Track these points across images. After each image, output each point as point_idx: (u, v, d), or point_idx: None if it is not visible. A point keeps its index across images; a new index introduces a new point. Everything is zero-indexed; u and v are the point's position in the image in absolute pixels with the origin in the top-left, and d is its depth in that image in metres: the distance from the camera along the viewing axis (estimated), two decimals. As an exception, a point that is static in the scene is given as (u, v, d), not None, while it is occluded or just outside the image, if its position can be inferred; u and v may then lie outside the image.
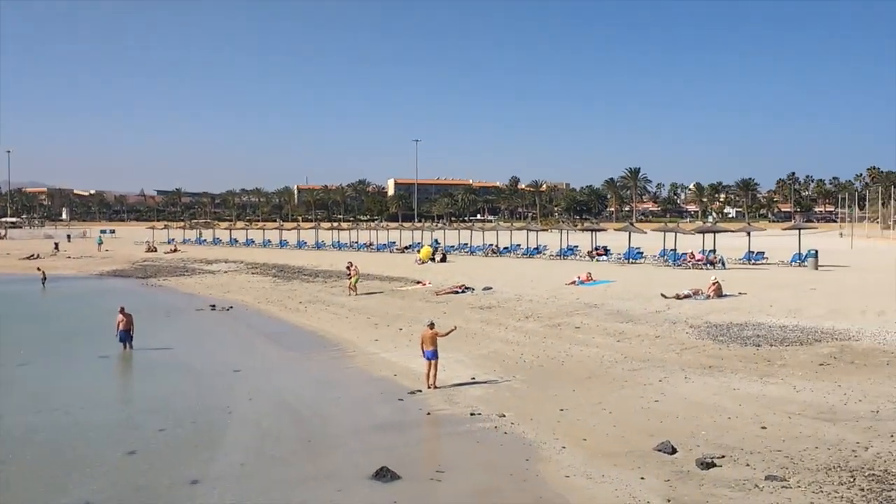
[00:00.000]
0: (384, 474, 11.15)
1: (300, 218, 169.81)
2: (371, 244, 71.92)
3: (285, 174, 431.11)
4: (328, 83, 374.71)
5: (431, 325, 17.58)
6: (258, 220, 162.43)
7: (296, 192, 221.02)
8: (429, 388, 16.75)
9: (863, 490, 9.69)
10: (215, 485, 11.17)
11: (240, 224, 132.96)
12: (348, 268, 37.73)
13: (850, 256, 49.75)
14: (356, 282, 35.96)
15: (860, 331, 20.80)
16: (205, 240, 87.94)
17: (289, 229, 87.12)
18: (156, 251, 71.60)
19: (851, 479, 10.09)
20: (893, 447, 11.35)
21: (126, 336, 22.39)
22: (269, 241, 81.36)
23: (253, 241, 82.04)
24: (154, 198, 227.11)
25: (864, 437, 11.87)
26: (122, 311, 22.66)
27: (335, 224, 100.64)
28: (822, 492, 9.71)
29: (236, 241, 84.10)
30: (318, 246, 74.58)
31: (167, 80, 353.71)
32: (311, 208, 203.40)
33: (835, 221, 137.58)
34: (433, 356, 16.95)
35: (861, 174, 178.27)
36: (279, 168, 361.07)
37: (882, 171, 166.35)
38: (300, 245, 76.79)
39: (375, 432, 13.96)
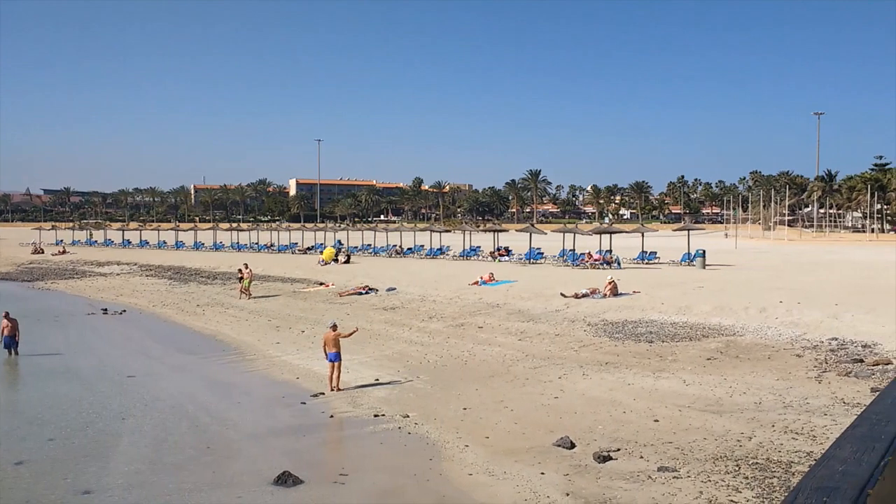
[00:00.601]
0: (286, 479, 11.00)
1: (197, 219, 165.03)
2: (272, 245, 70.65)
3: (181, 173, 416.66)
4: (226, 80, 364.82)
5: (334, 327, 17.44)
6: (153, 221, 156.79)
7: (193, 191, 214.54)
8: (332, 390, 16.61)
9: (747, 478, 10.24)
10: (109, 495, 10.74)
11: (133, 225, 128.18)
12: (241, 270, 36.18)
13: (735, 256, 52.40)
14: (248, 284, 34.83)
15: (744, 326, 21.95)
16: (96, 241, 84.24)
17: (185, 230, 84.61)
18: (43, 253, 68.22)
19: (737, 468, 10.65)
20: (774, 436, 12.03)
21: (11, 342, 21.27)
22: (165, 242, 78.68)
23: (147, 243, 79.18)
24: (41, 197, 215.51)
25: (748, 428, 12.54)
26: (6, 315, 21.54)
27: (234, 225, 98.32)
28: (710, 481, 10.20)
29: (129, 242, 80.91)
30: (217, 247, 72.68)
31: (51, 73, 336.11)
32: (208, 209, 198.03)
33: (721, 222, 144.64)
34: (336, 358, 16.82)
35: (745, 177, 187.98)
36: (175, 167, 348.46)
37: (763, 175, 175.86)
38: (197, 246, 74.64)
39: (277, 437, 13.74)
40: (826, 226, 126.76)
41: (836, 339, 19.48)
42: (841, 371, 16.28)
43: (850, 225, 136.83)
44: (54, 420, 14.89)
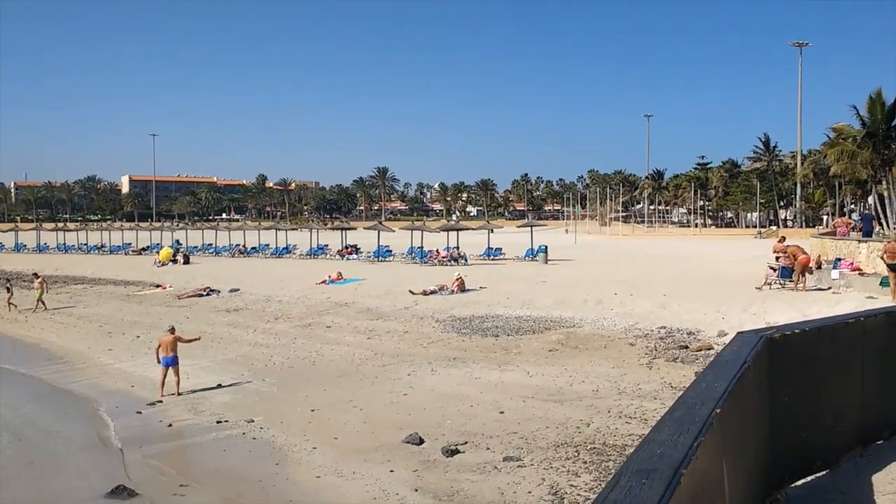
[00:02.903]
0: (120, 492, 10.35)
1: (18, 218, 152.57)
2: (103, 246, 66.59)
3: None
4: (52, 69, 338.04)
5: (172, 330, 16.66)
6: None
7: (13, 189, 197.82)
8: (172, 394, 15.84)
9: (585, 462, 10.71)
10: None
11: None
12: (36, 276, 32.70)
13: (574, 251, 54.96)
14: (40, 295, 30.94)
15: (582, 318, 23.03)
16: None
17: (5, 231, 78.01)
18: None
19: (576, 454, 11.12)
20: (610, 421, 12.68)
21: None
22: (-20, 244, 72.21)
23: (-41, 245, 72.31)
24: None
25: (587, 415, 13.13)
26: None
27: (60, 224, 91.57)
28: (552, 467, 10.58)
29: (-63, 245, 73.62)
30: (41, 249, 67.60)
31: None
32: (31, 207, 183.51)
33: (561, 219, 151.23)
34: (173, 362, 16.01)
35: (583, 176, 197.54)
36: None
37: (600, 174, 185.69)
38: (19, 248, 69.16)
39: (110, 449, 12.90)
40: (656, 221, 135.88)
41: (665, 328, 20.85)
42: (669, 357, 17.45)
43: (676, 220, 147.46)
44: None
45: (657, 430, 2.05)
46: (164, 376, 16.03)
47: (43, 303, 30.90)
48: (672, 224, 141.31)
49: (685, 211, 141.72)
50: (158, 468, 12.26)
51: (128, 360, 20.13)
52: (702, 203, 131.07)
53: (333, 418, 13.85)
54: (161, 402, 15.64)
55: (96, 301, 33.21)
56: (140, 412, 15.10)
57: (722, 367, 3.84)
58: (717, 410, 2.48)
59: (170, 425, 14.14)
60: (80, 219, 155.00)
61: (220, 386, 16.76)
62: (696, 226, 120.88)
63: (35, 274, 33.79)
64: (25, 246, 69.59)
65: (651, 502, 1.67)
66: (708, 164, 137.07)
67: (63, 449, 12.97)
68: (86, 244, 68.29)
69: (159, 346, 16.22)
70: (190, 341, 17.03)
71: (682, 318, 21.63)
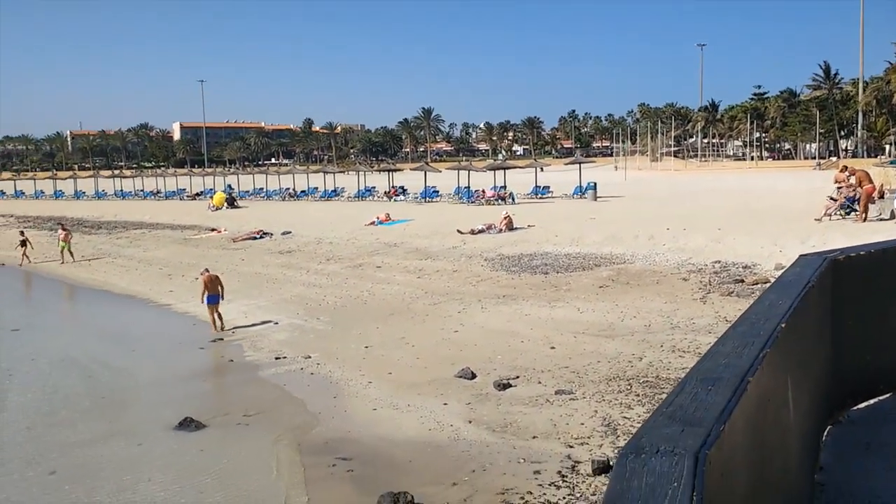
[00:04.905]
0: (188, 424, 10.80)
1: (76, 166, 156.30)
2: (159, 192, 67.93)
3: (56, 119, 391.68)
4: (101, 19, 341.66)
5: (207, 271, 17.66)
6: (27, 170, 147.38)
7: (69, 138, 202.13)
8: (231, 329, 16.69)
9: (638, 395, 10.75)
10: (0, 452, 10.26)
11: (6, 175, 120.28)
12: (63, 228, 32.26)
13: (624, 187, 54.19)
14: (65, 247, 30.19)
15: (633, 254, 22.81)
16: (-37, 193, 78.67)
17: (63, 178, 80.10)
18: None
19: (629, 387, 11.16)
20: (662, 355, 12.66)
21: None
22: (43, 192, 74.46)
23: (23, 193, 74.67)
24: None
25: (639, 349, 13.13)
26: None
27: (117, 172, 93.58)
28: (604, 400, 10.66)
29: (3, 193, 76.21)
30: (99, 196, 69.28)
31: None
32: (87, 156, 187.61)
33: (611, 155, 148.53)
34: (216, 301, 16.88)
35: (632, 110, 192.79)
36: (48, 112, 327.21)
37: (651, 107, 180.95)
38: (78, 195, 70.95)
39: (176, 383, 13.43)
40: (710, 155, 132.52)
41: (719, 262, 20.54)
42: (723, 291, 17.22)
43: (731, 153, 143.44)
44: (-70, 382, 14.01)
45: (721, 343, 2.04)
46: (213, 314, 16.86)
47: (71, 254, 30.29)
48: (726, 158, 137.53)
49: (740, 144, 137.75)
50: (222, 401, 12.73)
51: (188, 301, 20.69)
52: (758, 135, 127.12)
53: (387, 354, 14.11)
54: (222, 339, 16.17)
55: (155, 245, 34.06)
56: (202, 348, 15.66)
57: (785, 287, 3.78)
58: (782, 325, 2.45)
59: (231, 360, 14.62)
60: (134, 166, 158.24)
61: (277, 324, 17.20)
62: (752, 159, 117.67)
63: (61, 225, 33.70)
64: (84, 193, 71.34)
65: (718, 406, 1.67)
66: (765, 93, 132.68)
67: (131, 384, 13.52)
68: (142, 190, 69.78)
69: (206, 285, 16.96)
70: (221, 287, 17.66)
71: (737, 252, 21.26)
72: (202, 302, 17.14)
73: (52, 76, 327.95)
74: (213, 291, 16.88)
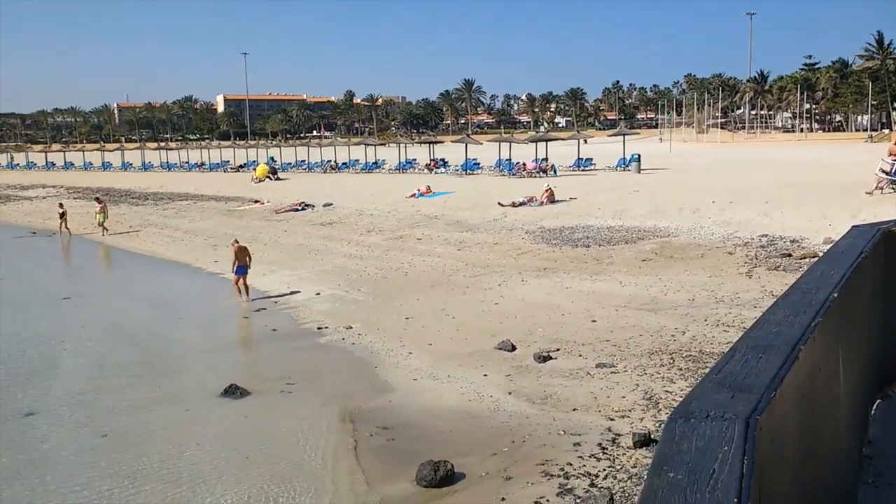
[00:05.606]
0: (233, 391, 11.03)
1: (123, 138, 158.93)
2: (203, 164, 68.77)
3: (103, 92, 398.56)
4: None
5: (236, 241, 18.08)
6: (76, 142, 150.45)
7: (116, 110, 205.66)
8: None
9: (681, 369, 10.67)
10: (52, 416, 10.62)
11: (56, 146, 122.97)
12: (98, 201, 32.87)
13: (669, 159, 53.24)
14: (102, 220, 30.85)
15: (678, 227, 22.48)
16: (17, 164, 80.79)
17: (111, 150, 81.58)
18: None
19: (671, 361, 11.07)
20: (706, 330, 12.51)
21: None
22: (91, 163, 75.91)
23: (72, 165, 76.28)
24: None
25: (682, 323, 12.99)
26: None
27: (162, 144, 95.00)
28: (646, 374, 10.60)
29: (53, 164, 77.89)
30: (146, 167, 70.48)
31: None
32: (134, 128, 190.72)
33: (656, 127, 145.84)
34: (245, 271, 17.27)
35: (678, 81, 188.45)
36: (95, 85, 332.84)
37: (697, 78, 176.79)
38: (125, 167, 72.24)
39: (222, 351, 13.72)
40: (757, 127, 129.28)
41: (766, 236, 20.15)
42: (770, 266, 16.92)
43: (780, 125, 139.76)
44: (-12, 347, 14.51)
45: (771, 311, 2.00)
46: (239, 284, 17.24)
47: (105, 228, 30.75)
48: (775, 129, 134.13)
49: (790, 115, 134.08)
50: (266, 369, 12.97)
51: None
52: (808, 106, 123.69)
53: (427, 326, 14.18)
54: (265, 308, 16.42)
55: (200, 216, 34.61)
56: (247, 318, 15.93)
57: (837, 257, 3.67)
58: (834, 295, 2.40)
59: (274, 330, 14.85)
60: (179, 138, 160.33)
61: (318, 295, 17.40)
62: (802, 130, 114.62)
63: (97, 198, 34.25)
64: (131, 164, 72.60)
65: (769, 374, 1.65)
66: (815, 64, 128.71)
67: (179, 352, 13.83)
68: (187, 162, 70.69)
69: (236, 255, 17.25)
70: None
71: (785, 226, 20.82)
72: (232, 272, 17.39)
73: (100, 50, 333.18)
74: (242, 262, 17.22)
